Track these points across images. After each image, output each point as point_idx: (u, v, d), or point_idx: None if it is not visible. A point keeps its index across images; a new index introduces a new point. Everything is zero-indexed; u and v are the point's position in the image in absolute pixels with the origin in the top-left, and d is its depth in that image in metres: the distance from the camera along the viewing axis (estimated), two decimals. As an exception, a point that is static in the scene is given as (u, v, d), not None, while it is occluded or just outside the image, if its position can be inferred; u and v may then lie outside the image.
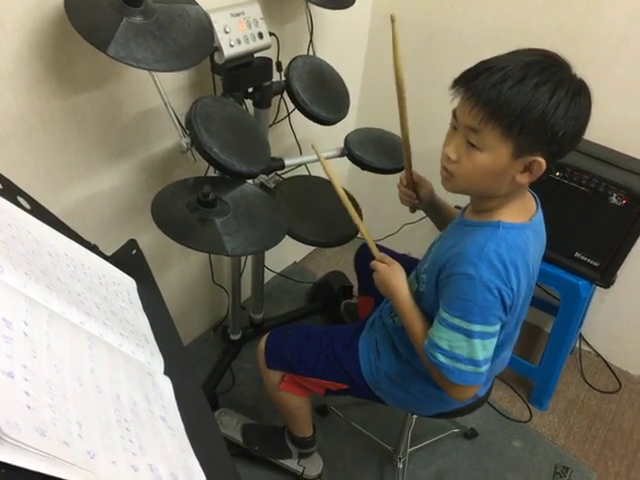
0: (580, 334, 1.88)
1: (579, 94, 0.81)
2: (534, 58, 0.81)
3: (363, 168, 1.44)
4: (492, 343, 0.89)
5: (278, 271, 2.07)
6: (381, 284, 1.05)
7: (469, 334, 0.87)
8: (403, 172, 1.21)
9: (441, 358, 0.89)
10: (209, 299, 1.78)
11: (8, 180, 0.71)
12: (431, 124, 1.78)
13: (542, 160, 0.82)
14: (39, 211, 0.74)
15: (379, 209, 2.05)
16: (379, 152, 1.45)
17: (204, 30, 1.04)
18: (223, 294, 1.73)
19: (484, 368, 0.89)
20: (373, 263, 1.07)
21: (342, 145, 1.45)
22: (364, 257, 1.39)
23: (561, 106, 0.78)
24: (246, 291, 1.78)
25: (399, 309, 1.02)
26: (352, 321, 1.82)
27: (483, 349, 0.87)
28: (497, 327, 0.88)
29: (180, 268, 1.59)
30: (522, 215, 0.92)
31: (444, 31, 1.70)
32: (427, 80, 1.79)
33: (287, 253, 2.12)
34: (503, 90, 0.78)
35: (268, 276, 2.00)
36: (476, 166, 0.85)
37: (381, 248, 1.14)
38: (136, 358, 0.64)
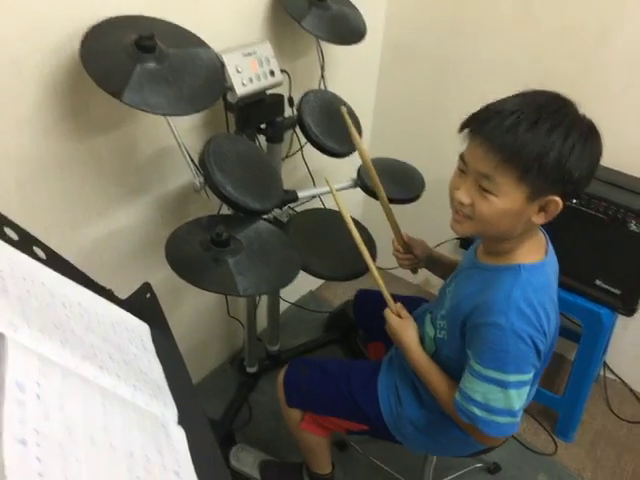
0: (604, 362, 1.83)
1: (591, 135, 0.80)
2: (545, 100, 0.80)
3: (376, 198, 1.43)
4: (527, 391, 0.87)
5: (294, 300, 2.06)
6: (393, 336, 1.05)
7: (505, 385, 0.84)
8: (394, 239, 1.23)
9: (477, 411, 0.86)
10: (225, 332, 1.78)
11: (24, 230, 0.72)
12: (445, 153, 1.79)
13: (558, 200, 0.81)
14: (54, 260, 0.74)
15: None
16: (392, 182, 1.45)
17: (216, 73, 1.06)
18: (239, 326, 1.72)
19: (519, 417, 0.87)
20: (386, 312, 1.06)
21: (355, 176, 1.46)
22: (362, 306, 1.40)
23: (576, 148, 0.78)
24: (262, 322, 1.78)
25: (413, 365, 1.01)
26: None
27: (519, 398, 0.85)
28: (531, 375, 0.86)
29: (196, 302, 1.59)
30: (538, 252, 0.91)
31: (456, 61, 1.70)
32: (440, 109, 1.80)
33: (303, 282, 2.11)
34: (518, 134, 0.77)
35: (284, 306, 1.99)
36: (490, 210, 0.83)
37: (372, 292, 1.14)
38: (149, 410, 0.64)
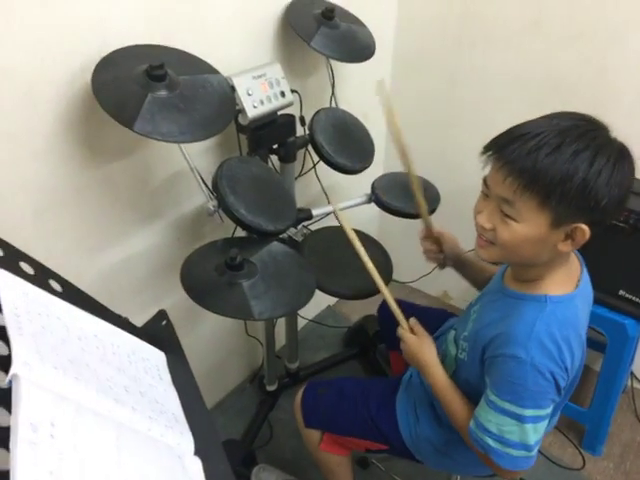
0: (632, 372, 1.78)
1: (621, 159, 0.76)
2: (571, 123, 0.77)
3: (391, 213, 1.43)
4: (544, 425, 0.84)
5: (312, 316, 2.06)
6: (409, 356, 1.01)
7: (520, 419, 0.82)
8: (422, 229, 1.17)
9: (490, 442, 0.84)
10: (244, 351, 1.78)
11: (40, 264, 0.73)
12: (458, 166, 1.78)
13: (585, 227, 0.77)
14: (70, 291, 0.75)
15: (412, 250, 2.01)
16: (406, 196, 1.44)
17: (227, 98, 1.07)
18: (257, 345, 1.72)
19: (535, 451, 0.84)
20: (401, 332, 1.03)
21: (369, 191, 1.46)
22: (387, 312, 1.37)
23: (603, 174, 0.74)
24: (280, 339, 1.77)
25: (431, 385, 0.97)
26: (389, 366, 1.78)
27: (535, 433, 0.82)
28: (550, 409, 0.83)
29: (214, 322, 1.60)
30: (569, 283, 0.87)
31: (466, 72, 1.70)
32: (453, 122, 1.79)
33: (321, 298, 2.10)
34: (539, 159, 0.74)
35: (302, 322, 1.99)
36: (513, 236, 0.80)
37: (399, 301, 1.09)
38: (165, 441, 0.64)
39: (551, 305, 0.83)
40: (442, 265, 1.21)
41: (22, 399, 0.48)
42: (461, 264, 1.17)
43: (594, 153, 0.74)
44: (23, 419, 0.47)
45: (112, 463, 0.53)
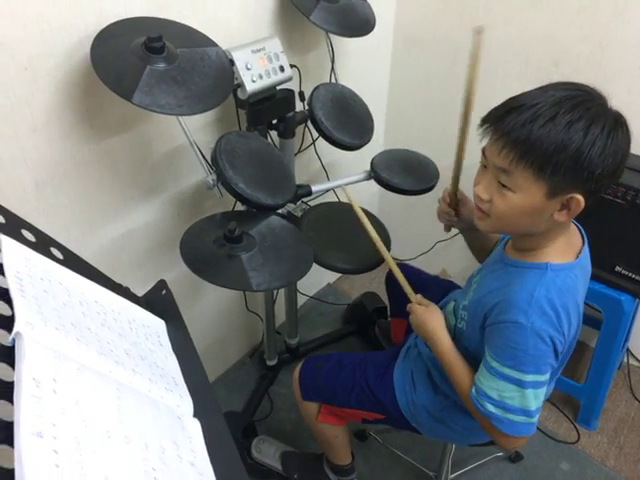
0: (628, 349, 1.80)
1: (616, 129, 0.76)
2: (566, 94, 0.77)
3: (390, 190, 1.43)
4: (544, 391, 0.86)
5: (312, 293, 2.08)
6: (418, 327, 1.03)
7: (521, 384, 0.83)
8: (447, 187, 1.14)
9: (491, 408, 0.86)
10: (244, 326, 1.80)
11: (41, 232, 0.74)
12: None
13: (580, 197, 0.78)
14: (71, 260, 0.77)
15: (411, 228, 2.04)
16: (406, 173, 1.45)
17: (225, 71, 1.07)
18: (258, 320, 1.75)
19: (536, 417, 0.86)
20: (409, 306, 1.05)
21: (369, 168, 1.46)
22: (394, 280, 1.38)
23: (597, 144, 0.74)
24: (280, 316, 1.79)
25: (439, 353, 0.99)
26: (387, 342, 1.80)
27: (535, 398, 0.84)
28: (548, 375, 0.85)
29: (215, 296, 1.62)
30: (568, 253, 0.89)
31: (467, 47, 1.68)
32: (454, 98, 1.78)
33: (321, 275, 2.13)
34: (533, 130, 0.75)
35: (302, 299, 2.01)
36: (509, 206, 0.82)
37: (407, 267, 1.08)
38: (165, 403, 0.66)
39: (551, 272, 0.84)
40: (448, 228, 1.19)
41: (25, 355, 0.50)
42: (473, 229, 1.17)
43: (588, 123, 0.75)
44: (27, 374, 0.48)
45: (113, 419, 0.54)
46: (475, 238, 1.17)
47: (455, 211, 1.14)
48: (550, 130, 0.75)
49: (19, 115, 0.98)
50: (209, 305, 1.62)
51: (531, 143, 0.76)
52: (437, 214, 1.18)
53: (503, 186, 0.81)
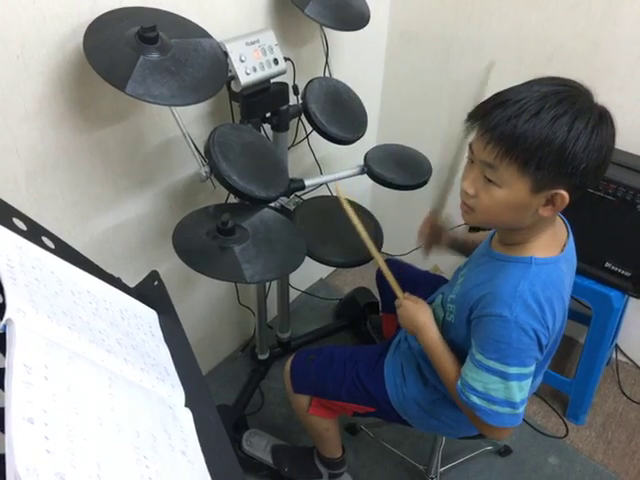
0: (616, 345, 1.82)
1: (600, 124, 0.77)
2: (551, 89, 0.77)
3: (383, 185, 1.44)
4: (528, 383, 0.86)
5: (304, 288, 2.08)
6: (406, 321, 1.03)
7: (505, 376, 0.84)
8: (429, 214, 1.21)
9: (476, 400, 0.87)
10: (236, 320, 1.80)
11: (32, 221, 0.74)
12: (451, 137, 1.78)
13: (565, 193, 0.79)
14: (63, 249, 0.76)
15: (403, 223, 2.04)
16: (399, 168, 1.45)
17: (219, 62, 1.07)
18: (250, 314, 1.75)
19: (521, 409, 0.87)
20: (398, 300, 1.06)
21: (362, 162, 1.46)
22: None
23: (581, 139, 0.75)
24: (272, 310, 1.80)
25: (427, 346, 0.99)
26: (379, 337, 1.81)
27: (520, 390, 0.85)
28: (533, 367, 0.86)
29: (207, 290, 1.62)
30: (554, 246, 0.89)
31: (462, 43, 1.69)
32: (448, 94, 1.79)
33: (313, 270, 2.13)
34: (518, 125, 0.75)
35: (294, 294, 2.01)
36: (494, 201, 0.83)
37: (398, 263, 1.10)
38: (156, 392, 0.66)
39: (536, 267, 0.85)
40: (427, 252, 1.25)
41: (16, 342, 0.49)
42: (455, 245, 1.21)
43: (573, 118, 0.75)
44: (18, 360, 0.48)
45: (105, 407, 0.54)
46: (461, 250, 1.20)
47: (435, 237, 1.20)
48: (534, 125, 0.75)
49: (10, 104, 0.97)
50: (201, 299, 1.61)
51: (515, 138, 0.76)
52: (418, 234, 1.24)
53: (489, 181, 0.82)
